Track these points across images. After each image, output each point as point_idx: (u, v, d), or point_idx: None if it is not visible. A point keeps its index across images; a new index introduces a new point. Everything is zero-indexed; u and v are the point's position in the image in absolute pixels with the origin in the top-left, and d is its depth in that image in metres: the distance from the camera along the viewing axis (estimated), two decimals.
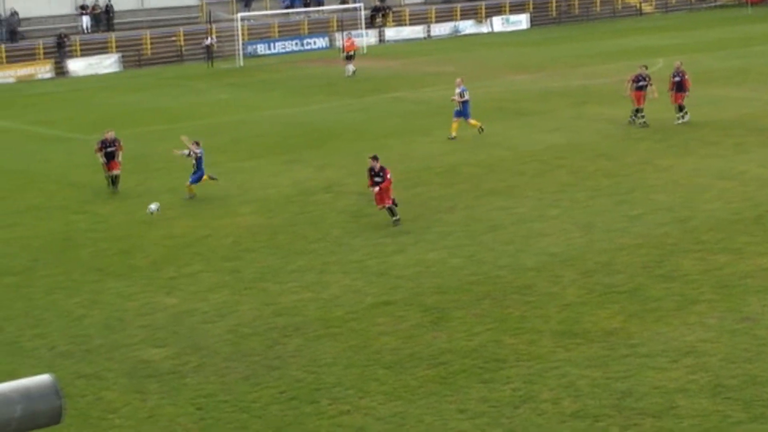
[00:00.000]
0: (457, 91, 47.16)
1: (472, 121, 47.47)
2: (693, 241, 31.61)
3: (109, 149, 39.73)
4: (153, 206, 31.45)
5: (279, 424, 20.78)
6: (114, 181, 39.96)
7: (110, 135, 40.00)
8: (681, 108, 48.89)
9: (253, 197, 37.78)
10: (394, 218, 33.65)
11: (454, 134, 47.07)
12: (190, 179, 37.96)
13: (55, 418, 5.20)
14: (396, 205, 33.78)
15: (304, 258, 30.76)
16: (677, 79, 48.68)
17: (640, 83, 48.22)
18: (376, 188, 33.24)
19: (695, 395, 21.69)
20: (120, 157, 39.82)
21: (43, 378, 5.23)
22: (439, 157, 43.09)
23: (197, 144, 37.72)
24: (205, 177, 38.05)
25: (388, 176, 33.27)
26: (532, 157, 42.63)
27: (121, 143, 40.07)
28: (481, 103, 54.19)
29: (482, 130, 47.61)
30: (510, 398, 21.64)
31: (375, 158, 33.62)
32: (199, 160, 37.68)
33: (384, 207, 33.70)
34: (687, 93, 48.95)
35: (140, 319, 26.38)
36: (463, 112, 47.20)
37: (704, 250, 30.85)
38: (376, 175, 33.31)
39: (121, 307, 27.32)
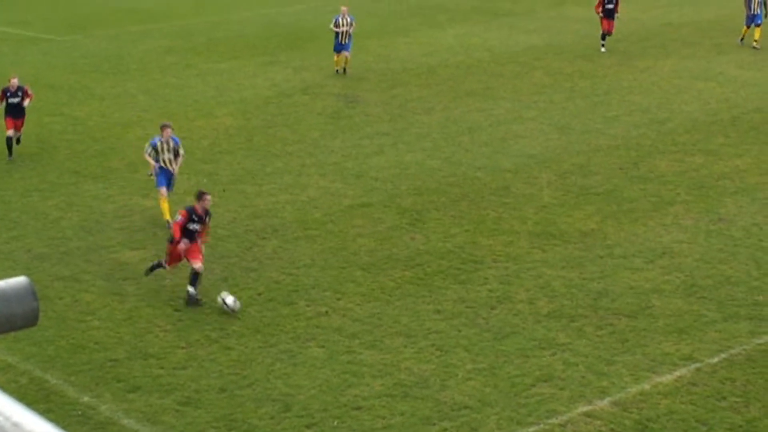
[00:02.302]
0: (348, 20, 39.84)
1: (347, 56, 40.16)
2: (669, 143, 31.70)
3: (11, 100, 30.96)
4: (230, 300, 20.82)
5: (257, 325, 20.93)
6: (9, 145, 31.06)
7: (14, 82, 31.07)
8: (605, 36, 43.42)
9: (229, 99, 37.61)
10: (191, 293, 21.88)
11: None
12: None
13: (32, 320, 5.22)
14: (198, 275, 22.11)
15: (281, 160, 30.72)
16: (610, 6, 43.13)
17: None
18: (183, 244, 21.77)
19: (670, 295, 21.91)
20: (26, 103, 31.10)
21: (19, 280, 5.24)
22: (418, 59, 42.89)
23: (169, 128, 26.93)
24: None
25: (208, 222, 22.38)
26: (509, 59, 42.48)
27: (29, 91, 31.32)
28: (459, 4, 53.88)
29: (345, 71, 40.43)
30: (486, 299, 21.83)
31: (203, 197, 22.10)
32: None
33: (190, 267, 22.05)
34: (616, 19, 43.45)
35: (117, 222, 26.38)
36: (345, 46, 39.92)
37: (681, 151, 30.95)
38: (196, 220, 21.91)
39: (98, 209, 27.29)
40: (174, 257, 22.08)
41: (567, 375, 19.04)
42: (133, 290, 22.53)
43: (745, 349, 19.76)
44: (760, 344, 19.94)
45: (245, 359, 19.73)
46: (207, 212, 22.20)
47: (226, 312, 21.22)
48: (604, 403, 18.24)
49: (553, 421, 17.73)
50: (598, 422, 17.72)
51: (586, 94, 37.01)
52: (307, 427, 17.61)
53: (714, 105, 35.53)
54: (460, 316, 21.16)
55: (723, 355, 19.56)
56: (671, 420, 17.73)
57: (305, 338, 20.43)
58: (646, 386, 18.70)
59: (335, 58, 40.22)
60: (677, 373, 19.05)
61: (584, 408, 18.12)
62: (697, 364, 19.31)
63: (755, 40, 42.71)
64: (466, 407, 18.12)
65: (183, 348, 20.21)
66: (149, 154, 26.36)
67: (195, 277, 21.78)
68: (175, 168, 26.46)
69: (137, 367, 19.49)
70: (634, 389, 18.62)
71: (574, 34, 46.97)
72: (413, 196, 27.61)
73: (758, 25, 42.64)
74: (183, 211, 22.16)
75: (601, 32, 43.49)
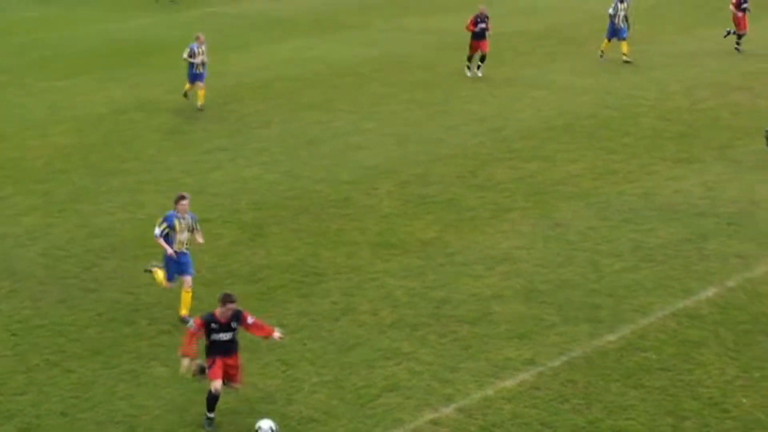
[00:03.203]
0: (203, 49, 36.74)
1: (202, 87, 36.92)
2: (506, 150, 32.16)
3: None
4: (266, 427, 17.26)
5: (97, 347, 20.58)
6: None
7: None
8: (483, 58, 41.05)
9: (64, 117, 36.90)
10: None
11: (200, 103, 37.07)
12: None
13: None
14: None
15: (118, 178, 30.27)
16: (482, 25, 40.59)
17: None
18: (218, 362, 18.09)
19: (510, 301, 22.22)
20: None
21: None
22: (255, 73, 42.70)
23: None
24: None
25: (250, 321, 18.39)
26: (348, 71, 42.59)
27: None
28: (298, 17, 53.89)
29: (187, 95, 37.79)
30: (330, 311, 21.85)
31: (230, 300, 18.15)
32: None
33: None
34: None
35: None
36: (200, 76, 36.68)
37: (517, 158, 31.43)
38: (224, 328, 18.09)
39: None
40: (217, 373, 17.94)
41: (412, 384, 19.14)
42: None
43: (585, 352, 20.12)
44: (599, 346, 20.33)
45: (87, 381, 19.38)
46: (238, 313, 18.08)
47: (61, 332, 20.85)
48: (449, 410, 18.40)
49: (400, 430, 17.81)
50: (444, 429, 17.88)
51: (424, 105, 37.32)
52: None
53: (548, 112, 36.16)
54: (304, 329, 21.12)
55: (564, 358, 19.90)
56: (515, 424, 17.96)
57: (148, 357, 20.15)
58: (490, 392, 18.91)
59: (187, 86, 37.27)
60: (520, 378, 19.31)
61: (430, 416, 18.26)
62: (539, 368, 19.59)
63: (624, 54, 42.84)
64: (312, 420, 18.11)
65: (22, 373, 19.75)
66: (163, 236, 21.38)
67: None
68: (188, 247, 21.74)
69: None
70: (478, 395, 18.82)
71: (412, 45, 47.30)
72: (253, 211, 27.48)
73: (624, 39, 42.91)
74: (197, 319, 18.27)
75: (470, 54, 41.07)
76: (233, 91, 39.63)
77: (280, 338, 18.57)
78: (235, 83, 40.89)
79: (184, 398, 18.73)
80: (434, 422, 18.08)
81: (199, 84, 36.72)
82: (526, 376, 19.38)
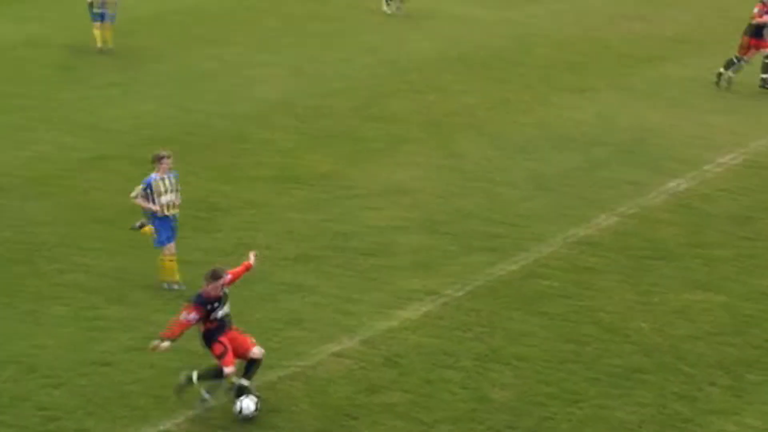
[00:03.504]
0: None
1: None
2: (400, 81, 32.20)
3: None
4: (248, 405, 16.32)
5: None
6: None
7: None
8: None
9: None
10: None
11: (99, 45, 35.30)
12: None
13: None
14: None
15: (7, 115, 29.61)
16: None
17: None
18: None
19: (411, 232, 22.36)
20: None
21: None
22: (146, 5, 41.95)
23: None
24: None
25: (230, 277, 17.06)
26: (239, 3, 42.10)
27: None
28: None
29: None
30: (230, 246, 21.74)
31: (219, 276, 16.67)
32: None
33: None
34: None
35: None
36: (106, 15, 35.19)
37: (411, 90, 31.51)
38: (222, 300, 16.71)
39: None
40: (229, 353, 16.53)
41: (316, 317, 19.18)
42: None
43: (487, 281, 20.36)
44: (501, 275, 20.60)
45: None
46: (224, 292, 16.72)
47: None
48: (353, 342, 18.49)
49: (304, 363, 17.83)
50: (348, 361, 17.96)
51: (318, 37, 37.08)
52: (55, 387, 17.18)
53: (442, 43, 36.20)
54: (206, 265, 20.78)
55: (467, 288, 20.10)
56: (419, 354, 18.12)
57: (48, 297, 19.89)
58: (394, 323, 19.05)
59: (95, 30, 35.07)
60: (424, 309, 19.47)
61: (334, 348, 18.34)
62: (443, 299, 19.78)
63: None
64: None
65: None
66: (142, 197, 19.97)
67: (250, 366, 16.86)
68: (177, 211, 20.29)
69: None
70: (382, 326, 18.94)
71: None
72: (148, 146, 27.02)
73: None
74: (190, 306, 16.52)
75: None
76: (124, 26, 38.87)
77: (256, 256, 17.66)
78: (126, 17, 40.14)
79: (86, 336, 18.54)
80: (338, 354, 18.16)
81: (108, 23, 35.06)
82: (429, 306, 19.55)
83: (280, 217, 23.05)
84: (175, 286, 20.06)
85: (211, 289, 16.45)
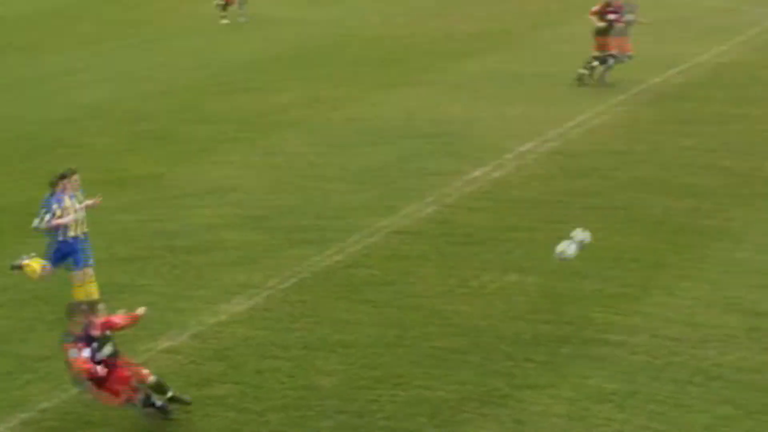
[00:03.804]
0: None
1: None
2: (215, 84, 32.60)
3: None
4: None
5: None
6: None
7: None
8: None
9: None
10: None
11: None
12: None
13: None
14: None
15: None
16: None
17: None
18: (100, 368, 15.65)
19: (236, 229, 22.84)
20: None
21: None
22: None
23: None
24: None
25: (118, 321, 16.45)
26: (54, 12, 41.76)
27: None
28: None
29: None
30: None
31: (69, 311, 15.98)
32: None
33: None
34: None
35: None
36: None
37: (227, 91, 32.01)
38: (93, 339, 15.76)
39: None
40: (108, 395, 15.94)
41: (147, 315, 19.39)
42: None
43: (312, 272, 20.88)
44: (326, 266, 21.13)
45: None
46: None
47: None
48: (183, 338, 18.72)
49: (135, 359, 17.99)
50: (179, 356, 18.14)
51: (137, 42, 37.17)
52: None
53: (256, 45, 36.74)
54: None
55: (293, 280, 20.57)
56: (248, 346, 18.43)
57: None
58: (223, 317, 19.39)
59: None
60: (251, 302, 19.89)
61: (165, 344, 18.53)
62: (270, 291, 20.22)
63: None
64: (46, 358, 18.10)
65: None
66: (53, 220, 18.47)
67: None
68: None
69: None
70: (211, 321, 19.26)
71: None
72: None
73: None
74: (68, 345, 15.52)
75: None
76: None
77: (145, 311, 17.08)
78: None
79: None
80: (169, 350, 18.35)
81: None
82: (257, 299, 19.99)
83: (108, 219, 23.17)
84: None
85: (70, 325, 15.77)
